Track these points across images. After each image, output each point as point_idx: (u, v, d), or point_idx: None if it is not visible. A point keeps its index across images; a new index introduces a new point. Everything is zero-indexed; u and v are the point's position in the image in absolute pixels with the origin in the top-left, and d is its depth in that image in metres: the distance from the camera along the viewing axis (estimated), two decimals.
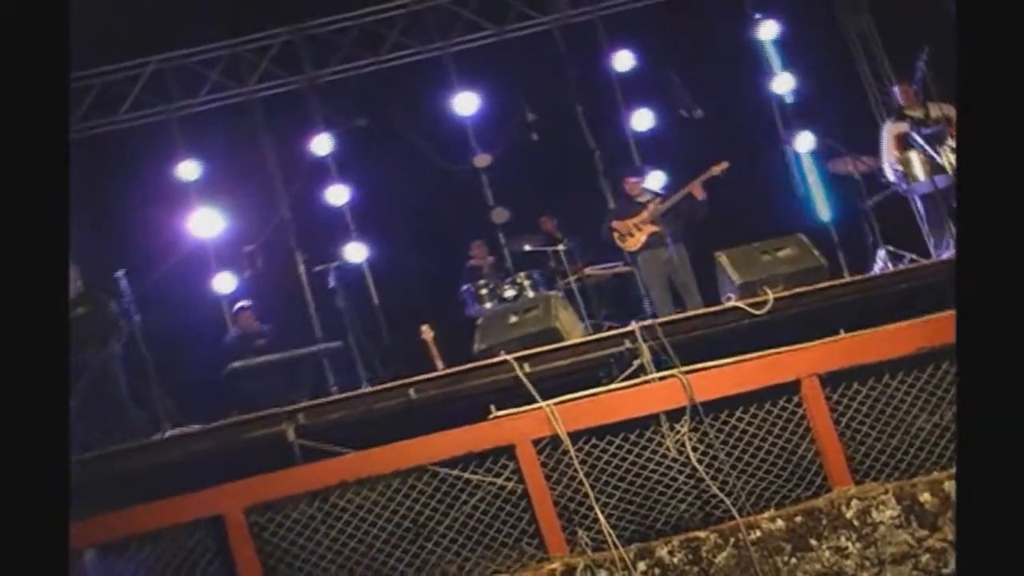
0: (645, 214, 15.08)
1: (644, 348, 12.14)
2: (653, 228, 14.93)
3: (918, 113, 14.08)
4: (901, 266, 13.85)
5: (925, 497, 11.25)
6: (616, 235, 15.10)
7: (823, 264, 13.42)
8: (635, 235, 15.00)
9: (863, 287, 13.22)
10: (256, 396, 13.60)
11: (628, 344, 12.31)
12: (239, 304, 15.94)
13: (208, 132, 17.86)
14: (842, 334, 12.23)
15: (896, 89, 14.74)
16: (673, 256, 14.78)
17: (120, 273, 14.46)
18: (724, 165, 15.13)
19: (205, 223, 16.63)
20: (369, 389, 13.24)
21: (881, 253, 14.29)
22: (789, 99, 17.40)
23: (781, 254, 13.40)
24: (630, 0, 18.22)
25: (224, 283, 16.42)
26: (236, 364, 14.37)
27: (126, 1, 15.53)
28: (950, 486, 11.24)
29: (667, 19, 17.91)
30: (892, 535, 11.13)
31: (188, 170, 17.44)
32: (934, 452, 11.67)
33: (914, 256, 14.13)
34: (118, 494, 11.80)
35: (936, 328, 12.04)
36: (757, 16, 17.57)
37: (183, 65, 18.19)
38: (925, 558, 11.06)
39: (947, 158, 13.72)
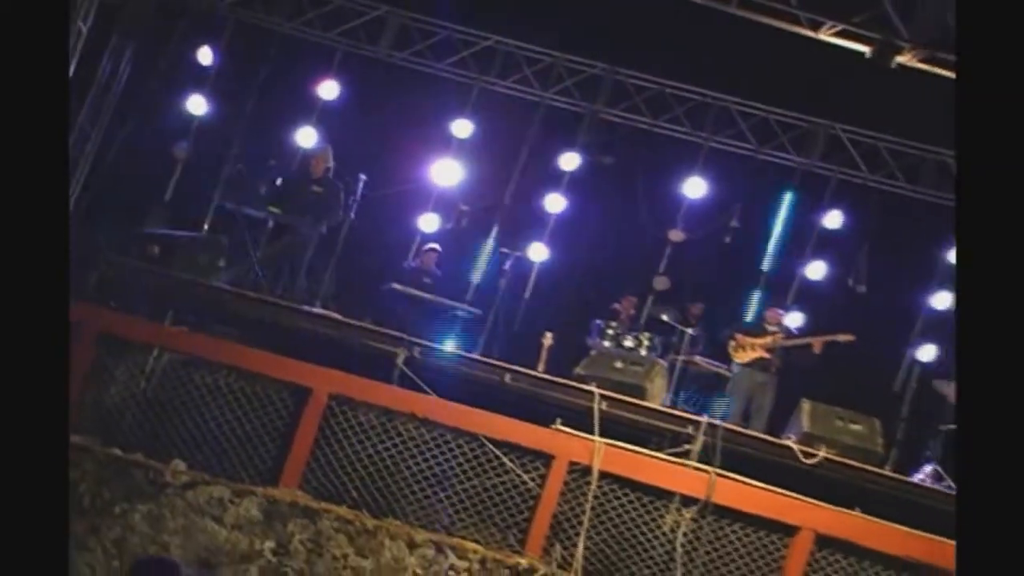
0: (768, 340, 14.80)
1: (699, 439, 11.91)
2: (765, 354, 14.67)
3: None
4: (938, 487, 13.34)
5: None
6: (733, 343, 14.90)
7: (880, 452, 13.11)
8: (748, 352, 14.80)
9: (897, 486, 12.87)
10: (395, 317, 13.64)
11: (690, 429, 12.05)
12: (430, 245, 16.04)
13: (493, 108, 17.85)
14: (856, 511, 11.89)
15: None
16: (766, 383, 14.51)
17: (362, 176, 14.54)
18: (851, 337, 14.82)
19: (447, 171, 16.72)
20: (478, 357, 13.26)
21: (928, 468, 13.85)
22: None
23: (852, 427, 13.06)
24: (867, 179, 17.69)
25: (428, 223, 16.54)
26: (396, 286, 14.53)
27: None
28: None
29: (877, 197, 17.48)
30: None
31: (462, 128, 17.41)
32: None
33: (950, 479, 13.68)
34: (255, 336, 12.12)
35: (928, 548, 11.77)
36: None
37: (507, 50, 18.08)
38: None
39: None
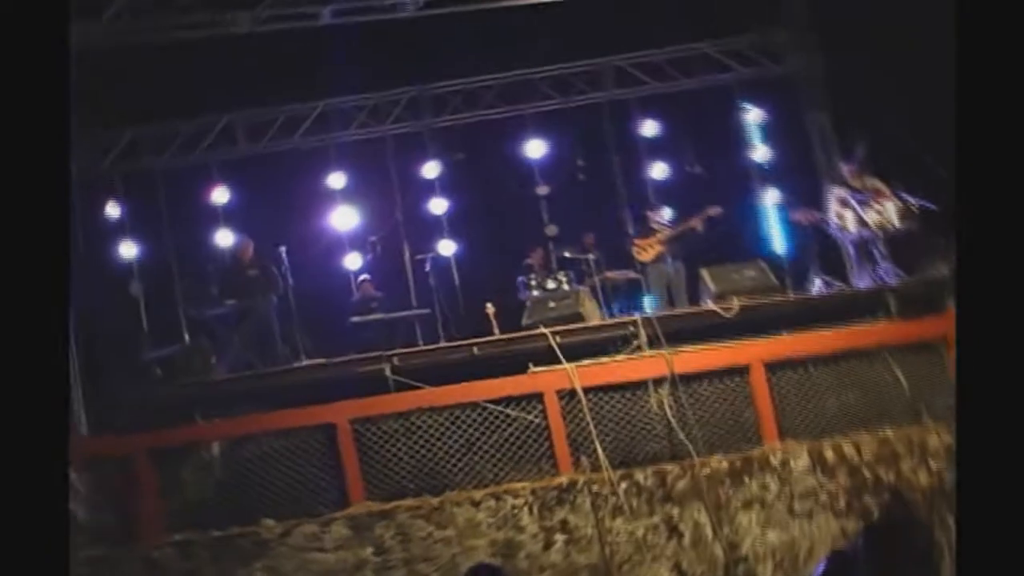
0: (659, 236, 15.14)
1: (642, 333, 12.27)
2: (661, 248, 15.00)
3: (855, 184, 14.08)
4: (830, 290, 13.79)
5: (828, 454, 11.43)
6: (635, 249, 15.18)
7: (775, 284, 13.57)
8: (649, 251, 15.09)
9: (802, 303, 13.42)
10: (367, 342, 13.76)
11: (631, 329, 12.38)
12: (362, 277, 16.15)
13: (353, 156, 17.89)
14: (784, 334, 12.42)
15: (843, 166, 14.66)
16: (671, 270, 14.80)
17: (282, 248, 14.63)
18: (717, 209, 15.16)
19: (344, 218, 16.73)
20: (445, 345, 13.40)
21: (818, 281, 14.29)
22: (765, 166, 17.24)
23: (747, 273, 13.45)
24: (660, 86, 17.98)
25: (353, 261, 16.51)
26: (355, 318, 14.66)
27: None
28: (847, 447, 11.37)
29: (685, 102, 17.84)
30: (802, 479, 11.32)
31: (337, 179, 17.41)
32: (838, 423, 11.78)
33: (840, 284, 14.10)
34: (266, 401, 12.19)
35: (849, 336, 12.38)
36: (747, 106, 17.41)
37: (341, 107, 18.13)
38: (824, 497, 11.24)
39: (871, 217, 13.78)
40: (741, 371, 11.78)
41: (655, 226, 15.42)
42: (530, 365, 11.82)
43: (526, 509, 10.95)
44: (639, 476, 11.14)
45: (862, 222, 13.85)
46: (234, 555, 10.58)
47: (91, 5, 11.12)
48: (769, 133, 17.47)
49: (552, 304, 13.34)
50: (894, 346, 12.13)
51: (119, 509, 11.42)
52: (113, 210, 17.09)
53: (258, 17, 11.38)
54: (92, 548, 10.79)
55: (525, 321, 13.16)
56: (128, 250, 16.87)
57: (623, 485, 11.08)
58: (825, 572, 7.25)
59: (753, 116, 17.47)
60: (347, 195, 17.15)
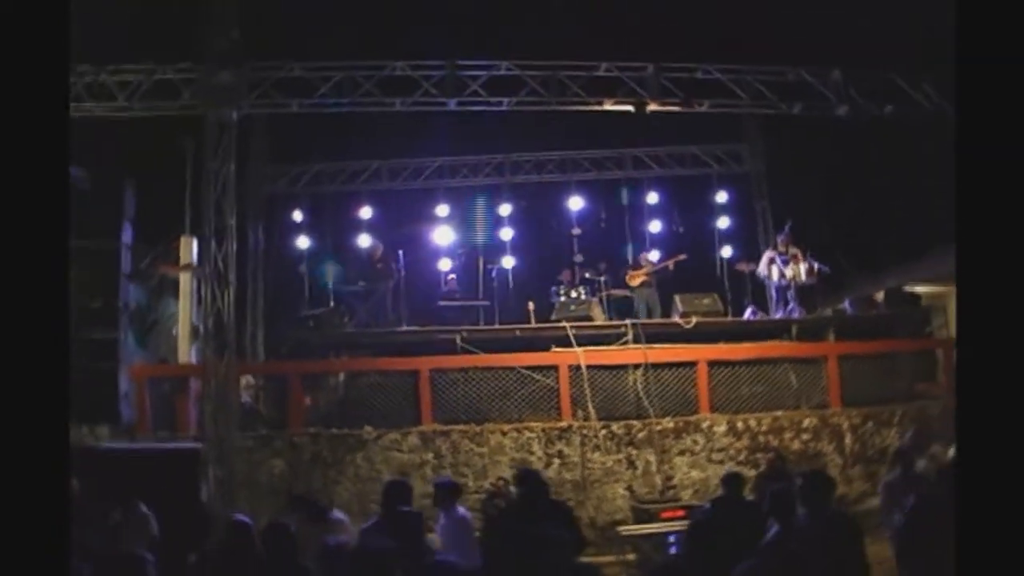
0: (646, 269, 15.04)
1: (630, 333, 12.22)
2: (646, 277, 14.88)
3: (781, 249, 13.99)
4: (756, 317, 13.73)
5: (739, 424, 11.51)
6: (629, 276, 15.01)
7: (722, 310, 13.44)
8: (637, 279, 14.94)
9: (737, 324, 13.37)
10: (446, 319, 13.74)
11: (623, 330, 12.32)
12: (449, 275, 15.95)
13: (455, 195, 17.80)
14: (722, 344, 12.37)
15: (777, 236, 14.54)
16: (651, 291, 14.70)
17: (401, 251, 14.73)
18: (684, 256, 15.08)
19: (443, 235, 16.51)
20: (498, 327, 13.41)
21: (749, 310, 14.19)
22: (724, 231, 17.14)
23: (704, 301, 13.32)
24: (662, 171, 17.88)
25: (445, 264, 16.21)
26: (441, 302, 14.66)
27: None
28: (751, 421, 11.47)
29: (677, 183, 17.80)
30: (720, 439, 11.39)
31: (442, 210, 17.22)
32: (750, 404, 11.79)
33: (762, 314, 14.02)
34: (377, 350, 12.34)
35: (764, 349, 12.35)
36: (720, 190, 17.35)
37: (451, 164, 18.18)
38: (732, 452, 11.34)
39: (788, 272, 13.70)
40: (691, 364, 11.83)
41: (644, 263, 15.31)
42: (553, 346, 11.92)
43: (536, 440, 11.14)
44: (614, 427, 11.31)
45: (782, 275, 13.76)
46: (344, 446, 10.84)
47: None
48: (729, 210, 17.34)
49: (573, 307, 13.30)
50: (791, 358, 12.16)
51: (279, 407, 11.74)
52: (297, 216, 17.30)
53: (405, 102, 11.60)
54: (259, 429, 11.16)
55: (554, 317, 13.10)
56: (302, 243, 17.02)
57: (603, 432, 11.24)
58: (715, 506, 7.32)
59: (720, 197, 17.38)
60: (447, 220, 16.95)
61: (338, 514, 7.12)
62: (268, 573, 5.14)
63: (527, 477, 7.20)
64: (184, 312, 13.38)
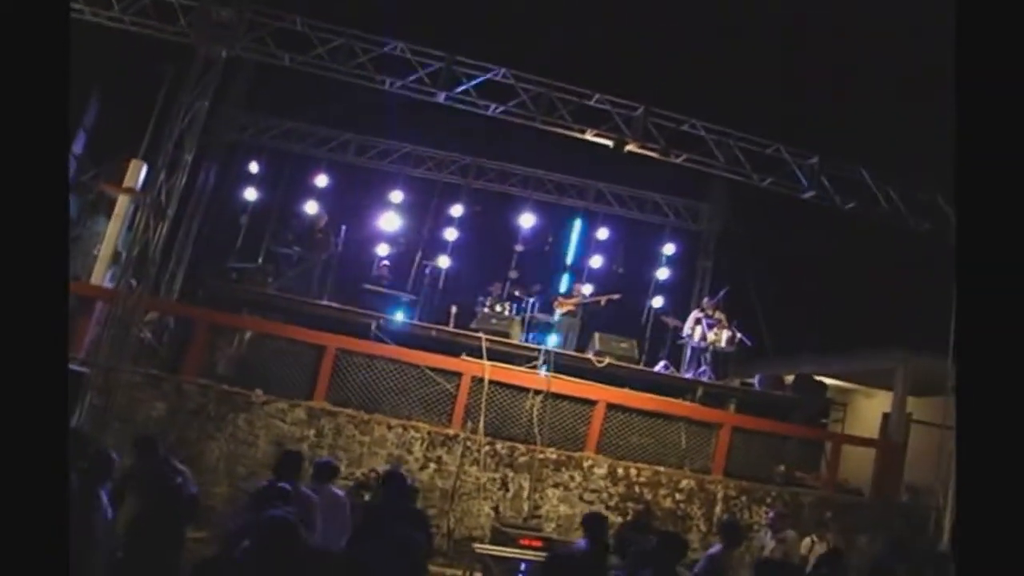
0: (575, 300, 15.09)
1: (541, 358, 12.33)
2: (572, 308, 14.91)
3: (709, 312, 14.17)
4: (666, 372, 13.88)
5: (619, 470, 11.66)
6: (557, 303, 15.02)
7: (636, 357, 13.49)
8: (564, 307, 14.92)
9: (646, 374, 13.38)
10: (368, 304, 13.62)
11: (536, 354, 12.45)
12: (383, 262, 15.82)
13: (413, 185, 17.74)
14: (627, 389, 12.50)
15: (706, 299, 14.72)
16: (574, 323, 14.74)
17: (344, 226, 14.68)
18: (618, 295, 15.15)
19: (390, 221, 16.43)
20: (416, 323, 13.36)
21: (661, 363, 14.35)
22: (660, 281, 17.34)
23: (622, 345, 13.41)
24: (620, 210, 18.06)
25: (383, 249, 16.11)
26: (367, 286, 14.56)
27: None
28: (632, 469, 11.60)
29: (630, 225, 17.98)
30: (598, 481, 11.54)
31: (396, 196, 17.11)
32: (636, 454, 11.97)
33: (673, 370, 14.18)
34: (291, 317, 12.28)
35: (664, 404, 12.52)
36: (669, 242, 17.55)
37: (420, 153, 18.18)
38: (605, 495, 11.48)
39: (710, 336, 13.87)
40: (591, 403, 11.97)
41: (576, 294, 15.36)
42: (464, 354, 11.96)
43: (419, 442, 11.16)
44: (499, 445, 11.39)
45: (704, 337, 13.92)
46: (229, 404, 10.76)
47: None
48: (673, 263, 17.55)
49: (494, 321, 13.27)
50: (687, 419, 12.37)
51: (177, 351, 11.66)
52: (253, 168, 17.19)
53: (395, 84, 11.62)
54: (151, 368, 11.03)
55: (473, 325, 13.12)
56: (250, 195, 16.94)
57: (486, 447, 11.32)
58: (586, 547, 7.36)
59: (668, 249, 17.58)
60: (398, 208, 16.92)
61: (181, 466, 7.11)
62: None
63: (392, 478, 7.49)
64: (111, 234, 13.23)
